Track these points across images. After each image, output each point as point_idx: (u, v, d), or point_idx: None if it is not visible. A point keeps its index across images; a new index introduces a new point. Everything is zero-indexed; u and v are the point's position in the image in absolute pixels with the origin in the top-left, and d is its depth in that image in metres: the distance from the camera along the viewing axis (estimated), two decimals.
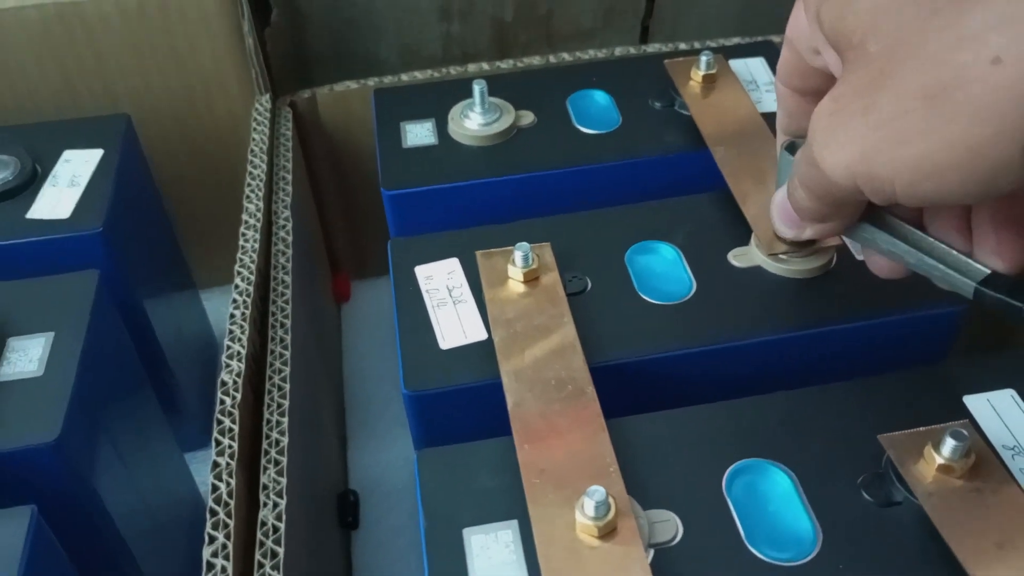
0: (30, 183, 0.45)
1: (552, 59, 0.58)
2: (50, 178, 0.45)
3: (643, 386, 0.37)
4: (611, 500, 0.29)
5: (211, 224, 0.63)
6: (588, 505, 0.29)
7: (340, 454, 0.57)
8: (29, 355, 0.36)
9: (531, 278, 0.38)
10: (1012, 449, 0.32)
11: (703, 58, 0.48)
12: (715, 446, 0.33)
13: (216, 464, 0.34)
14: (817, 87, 0.31)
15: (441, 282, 0.40)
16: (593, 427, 0.32)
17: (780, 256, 0.39)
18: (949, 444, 0.29)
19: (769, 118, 0.43)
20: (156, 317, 0.49)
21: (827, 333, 0.37)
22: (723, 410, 0.34)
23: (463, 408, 0.36)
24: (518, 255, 0.38)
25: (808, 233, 0.31)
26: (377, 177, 0.46)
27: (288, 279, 0.45)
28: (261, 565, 0.32)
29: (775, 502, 0.31)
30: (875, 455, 0.32)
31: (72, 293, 0.39)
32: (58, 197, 0.44)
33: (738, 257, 0.40)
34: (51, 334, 0.37)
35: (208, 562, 0.31)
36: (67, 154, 0.47)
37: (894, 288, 0.38)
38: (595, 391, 0.34)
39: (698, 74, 0.48)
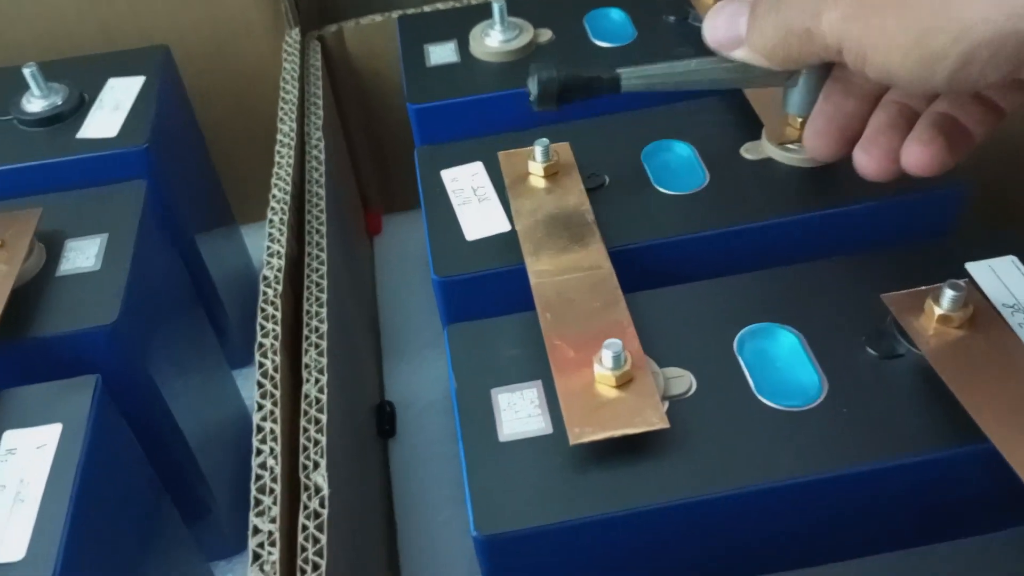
0: (78, 108, 0.48)
1: None
2: (96, 103, 0.48)
3: (660, 270, 0.39)
4: (627, 353, 0.31)
5: (244, 161, 0.65)
6: (606, 357, 0.31)
7: (376, 371, 0.59)
8: (86, 253, 0.39)
9: (551, 172, 0.40)
10: (1012, 307, 0.34)
11: None
12: (726, 313, 0.35)
13: (261, 345, 0.37)
14: None
15: (466, 183, 0.42)
16: (611, 296, 0.35)
17: (790, 146, 0.40)
18: (948, 295, 0.31)
19: None
20: (199, 238, 0.52)
21: (835, 215, 0.39)
22: (735, 281, 0.36)
23: (488, 292, 0.38)
24: (538, 150, 0.40)
25: (738, 54, 0.32)
26: (404, 110, 0.48)
27: (322, 191, 0.47)
28: (306, 430, 0.35)
29: (783, 359, 0.33)
30: (879, 317, 0.34)
31: (122, 200, 0.42)
32: (105, 119, 0.47)
33: (749, 150, 0.42)
34: (105, 235, 0.40)
35: (257, 425, 0.34)
36: (111, 81, 0.49)
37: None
38: (612, 268, 0.36)
39: None
